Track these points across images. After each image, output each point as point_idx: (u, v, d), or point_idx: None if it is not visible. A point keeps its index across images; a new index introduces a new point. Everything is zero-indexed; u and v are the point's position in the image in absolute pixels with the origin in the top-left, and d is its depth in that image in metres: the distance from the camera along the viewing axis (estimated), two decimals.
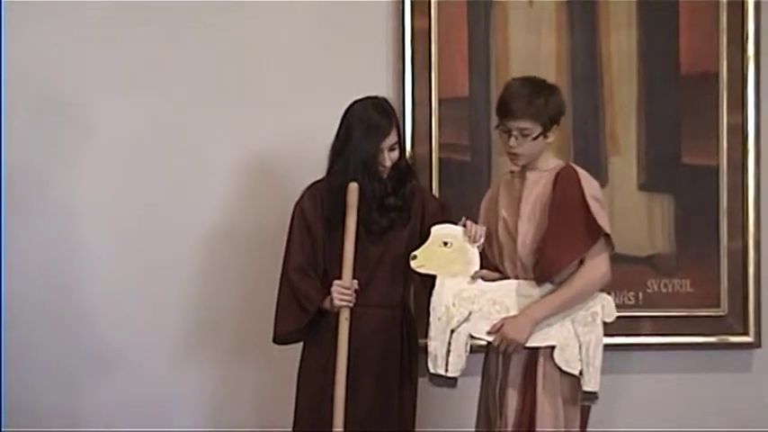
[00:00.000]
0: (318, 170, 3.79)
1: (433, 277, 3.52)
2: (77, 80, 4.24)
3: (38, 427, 4.23)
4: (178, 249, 4.26)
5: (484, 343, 3.54)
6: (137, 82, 4.24)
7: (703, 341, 4.25)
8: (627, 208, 4.23)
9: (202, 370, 4.29)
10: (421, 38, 4.20)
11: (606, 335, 3.49)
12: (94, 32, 4.23)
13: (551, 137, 3.51)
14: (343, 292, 3.60)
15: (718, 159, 4.25)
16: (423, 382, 3.73)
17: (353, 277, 3.62)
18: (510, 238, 3.53)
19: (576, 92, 4.23)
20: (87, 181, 4.25)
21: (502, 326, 3.43)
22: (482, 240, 3.53)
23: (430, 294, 3.52)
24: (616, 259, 3.58)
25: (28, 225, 4.24)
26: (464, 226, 3.54)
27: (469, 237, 3.52)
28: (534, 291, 3.47)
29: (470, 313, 3.47)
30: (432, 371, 3.48)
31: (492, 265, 3.59)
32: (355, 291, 3.62)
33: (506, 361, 3.51)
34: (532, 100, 3.45)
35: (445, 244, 3.53)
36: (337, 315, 3.63)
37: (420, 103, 4.20)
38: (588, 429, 3.55)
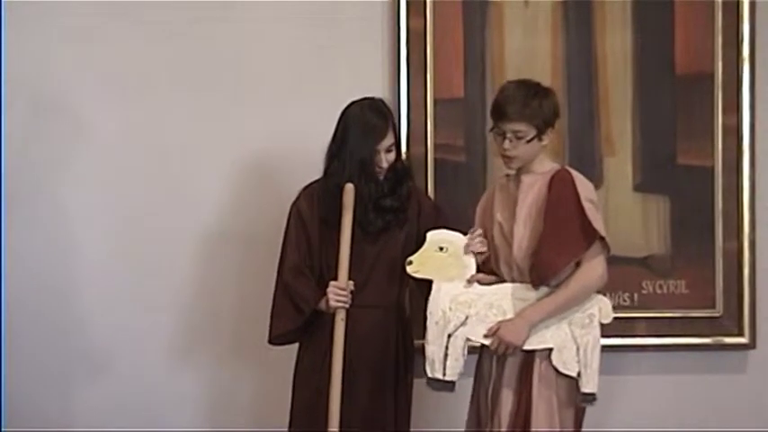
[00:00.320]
0: (314, 171, 3.79)
1: (430, 282, 3.52)
2: (73, 81, 4.24)
3: (33, 428, 4.22)
4: (174, 250, 4.26)
5: (479, 345, 3.55)
6: (132, 83, 4.24)
7: (698, 342, 4.25)
8: (622, 209, 4.23)
9: (198, 371, 4.29)
10: (416, 38, 4.20)
11: (601, 336, 3.49)
12: (91, 33, 4.23)
13: (546, 140, 3.51)
14: (338, 293, 3.60)
15: (714, 160, 4.24)
16: (418, 382, 3.73)
17: (349, 278, 3.62)
18: (506, 241, 3.53)
19: (572, 92, 4.23)
20: (83, 183, 4.25)
21: (498, 329, 3.43)
22: (483, 250, 3.53)
23: (426, 299, 3.52)
24: (611, 260, 3.58)
25: (23, 227, 4.24)
26: (468, 241, 3.54)
27: (467, 250, 3.52)
28: (531, 294, 3.47)
29: (467, 317, 3.47)
30: (430, 375, 3.48)
31: (488, 269, 3.59)
32: (351, 292, 3.62)
33: (501, 363, 3.52)
34: (527, 103, 3.45)
35: (441, 249, 3.53)
36: (333, 316, 3.63)
37: (415, 103, 4.20)
38: (583, 430, 3.55)
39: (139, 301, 4.26)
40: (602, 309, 3.47)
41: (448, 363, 3.47)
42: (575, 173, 3.51)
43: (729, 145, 4.24)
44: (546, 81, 3.65)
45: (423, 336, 3.54)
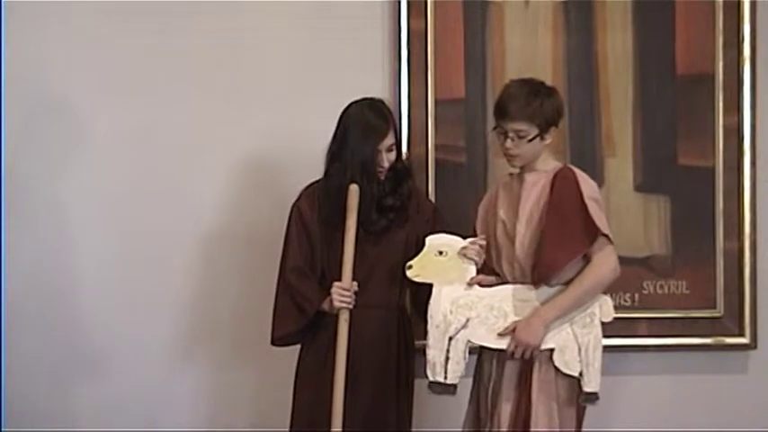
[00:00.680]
0: (315, 171, 3.79)
1: (430, 285, 3.52)
2: (73, 81, 4.23)
3: (33, 428, 4.22)
4: (174, 250, 4.25)
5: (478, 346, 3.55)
6: (132, 83, 4.24)
7: (699, 342, 4.25)
8: (623, 209, 4.23)
9: (198, 372, 4.29)
10: (417, 39, 4.20)
11: (602, 335, 3.49)
12: (91, 34, 4.22)
13: (549, 139, 3.51)
14: (342, 293, 3.60)
15: (714, 160, 4.24)
16: (418, 383, 3.73)
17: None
18: (508, 239, 3.53)
19: (572, 93, 4.23)
20: (82, 183, 4.24)
21: (514, 330, 3.43)
22: (479, 258, 3.54)
23: (427, 302, 3.52)
24: None
25: (23, 227, 4.23)
26: (465, 247, 3.54)
27: (464, 255, 3.53)
28: (531, 295, 3.47)
29: (468, 320, 3.47)
30: (431, 379, 3.48)
31: (488, 268, 3.59)
32: (354, 292, 3.61)
33: (500, 364, 3.52)
34: (529, 102, 3.45)
35: (440, 253, 3.53)
36: (335, 316, 3.63)
37: (416, 104, 4.20)
38: (584, 430, 3.55)
39: (139, 302, 4.26)
40: (602, 307, 3.48)
41: (449, 366, 3.47)
42: (578, 171, 3.52)
43: (730, 145, 4.23)
44: (547, 81, 3.64)
45: (423, 336, 3.53)
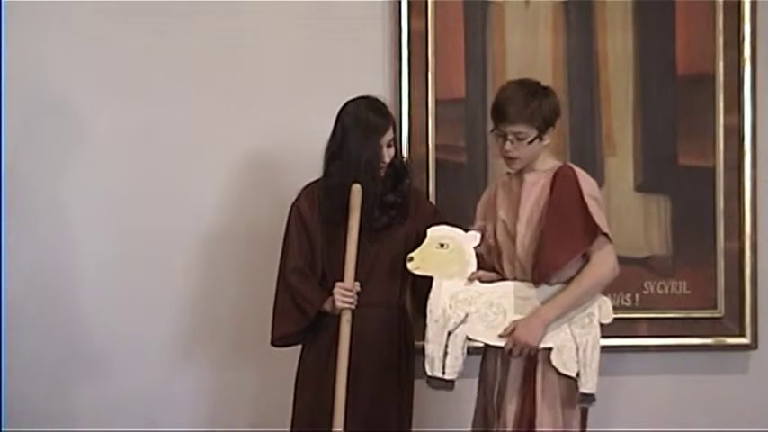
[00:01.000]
0: (315, 171, 3.79)
1: (431, 279, 3.52)
2: (72, 81, 4.23)
3: (33, 428, 4.22)
4: (174, 250, 4.25)
5: (481, 345, 3.54)
6: (132, 83, 4.24)
7: (700, 343, 4.25)
8: (623, 209, 4.22)
9: (198, 372, 4.29)
10: (418, 39, 4.20)
11: (603, 336, 3.49)
12: (91, 34, 4.23)
13: (547, 139, 3.51)
14: (345, 293, 3.60)
15: (715, 160, 4.24)
16: (419, 382, 3.72)
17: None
18: (509, 239, 3.53)
19: (573, 93, 4.23)
20: (82, 183, 4.24)
21: (514, 329, 3.43)
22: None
23: (427, 296, 3.52)
24: None
25: (22, 226, 4.23)
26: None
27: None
28: (531, 292, 3.46)
29: (467, 315, 3.47)
30: (429, 373, 3.47)
31: (489, 266, 3.58)
32: (357, 292, 3.61)
33: (505, 364, 3.51)
34: (527, 104, 3.45)
35: (442, 246, 3.53)
36: (335, 317, 3.63)
37: (417, 104, 4.20)
38: (586, 430, 3.55)
39: (140, 301, 4.26)
40: (601, 308, 3.47)
41: (447, 361, 3.46)
42: (578, 170, 3.51)
43: (731, 145, 4.23)
44: (547, 81, 3.64)
45: (423, 336, 3.53)
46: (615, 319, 3.53)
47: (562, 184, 3.45)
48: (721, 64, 4.23)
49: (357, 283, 3.62)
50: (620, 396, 4.25)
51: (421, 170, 4.15)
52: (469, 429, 3.68)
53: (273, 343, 3.79)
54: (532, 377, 3.46)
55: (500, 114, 3.48)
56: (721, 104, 4.24)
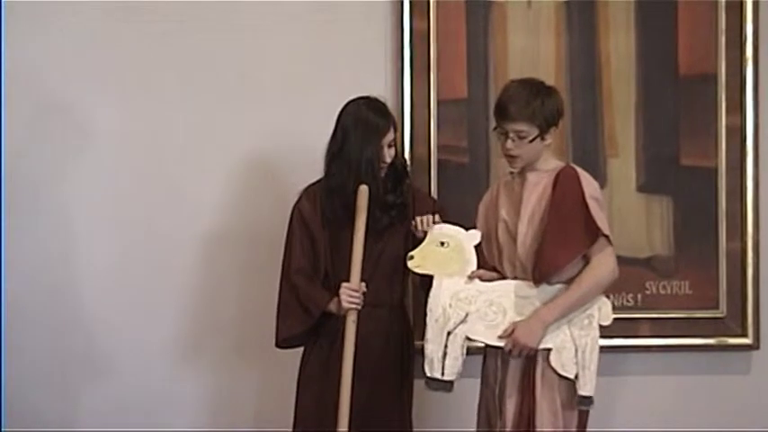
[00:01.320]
0: (316, 171, 3.79)
1: (431, 278, 3.51)
2: (76, 82, 4.24)
3: (33, 428, 4.22)
4: (175, 252, 4.26)
5: (481, 345, 3.54)
6: (133, 85, 4.25)
7: (702, 343, 4.25)
8: (625, 209, 4.22)
9: (200, 373, 4.29)
10: (420, 39, 4.20)
11: (605, 336, 3.49)
12: (92, 35, 4.24)
13: (549, 139, 3.50)
14: (352, 294, 3.59)
15: (717, 161, 4.24)
16: (419, 382, 3.72)
17: None
18: (510, 239, 3.53)
19: (575, 93, 4.23)
20: (83, 183, 4.25)
21: (513, 330, 3.43)
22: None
23: (427, 295, 3.52)
24: None
25: (24, 228, 4.24)
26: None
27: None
28: (532, 292, 3.46)
29: (467, 314, 3.46)
30: (428, 374, 3.46)
31: (489, 265, 3.58)
32: (363, 293, 3.61)
33: (505, 364, 3.51)
34: (529, 102, 3.44)
35: (442, 244, 3.52)
36: (337, 318, 3.63)
37: (418, 104, 4.20)
38: (587, 431, 3.54)
39: (141, 303, 4.27)
40: (601, 309, 3.46)
41: (447, 362, 3.45)
42: (580, 170, 3.51)
43: (733, 145, 4.23)
44: (549, 82, 3.62)
45: (423, 336, 3.52)
46: (617, 319, 3.53)
47: (564, 185, 3.45)
48: (723, 64, 4.23)
49: (363, 284, 3.62)
50: (622, 396, 4.25)
51: (423, 170, 4.16)
52: (469, 429, 3.68)
53: (278, 344, 3.79)
54: (532, 377, 3.46)
55: (502, 112, 3.48)
56: (723, 104, 4.24)
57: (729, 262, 4.24)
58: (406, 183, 3.78)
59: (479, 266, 3.52)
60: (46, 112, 4.24)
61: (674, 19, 4.25)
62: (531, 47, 4.25)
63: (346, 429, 3.55)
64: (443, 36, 4.22)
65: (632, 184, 4.25)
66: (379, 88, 4.05)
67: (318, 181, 3.77)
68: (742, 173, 4.23)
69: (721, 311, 4.25)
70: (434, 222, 3.57)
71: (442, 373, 3.45)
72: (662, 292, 4.25)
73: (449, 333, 3.46)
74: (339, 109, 3.75)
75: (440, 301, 3.48)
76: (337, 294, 3.63)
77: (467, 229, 3.55)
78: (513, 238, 3.51)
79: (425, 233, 3.55)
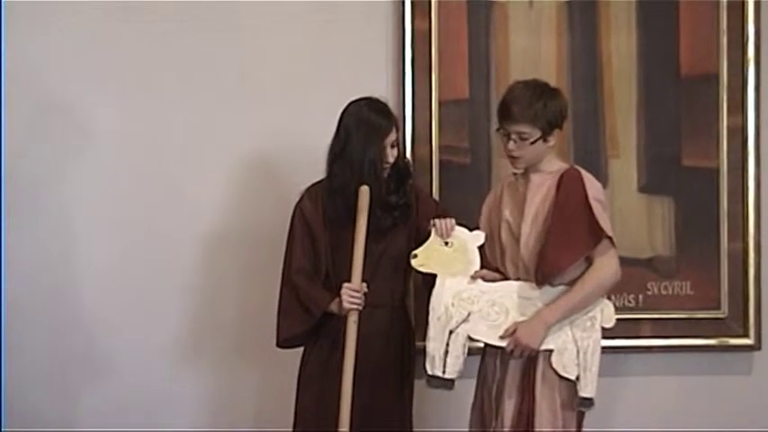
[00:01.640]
0: (317, 171, 3.79)
1: (434, 277, 3.51)
2: (76, 82, 4.24)
3: (33, 428, 4.22)
4: (176, 252, 4.26)
5: (481, 345, 3.54)
6: (134, 85, 4.24)
7: (703, 343, 4.24)
8: (627, 210, 4.22)
9: (201, 373, 4.29)
10: (421, 39, 4.20)
11: (606, 337, 3.49)
12: (92, 35, 4.23)
13: (552, 141, 3.50)
14: (353, 294, 3.59)
15: (719, 161, 4.24)
16: (419, 383, 3.72)
17: None
18: (513, 239, 3.52)
19: (576, 93, 4.22)
20: (84, 184, 4.25)
21: (515, 330, 3.43)
22: (452, 233, 3.53)
23: (430, 294, 3.52)
24: None
25: (24, 228, 4.24)
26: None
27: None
28: (534, 293, 3.46)
29: (469, 314, 3.46)
30: (429, 372, 3.47)
31: (492, 266, 3.58)
32: (364, 294, 3.61)
33: (504, 363, 3.51)
34: (531, 104, 3.43)
35: (446, 244, 3.52)
36: (337, 318, 3.63)
37: (420, 105, 4.20)
38: (587, 430, 3.54)
39: (141, 303, 4.27)
40: (603, 311, 3.46)
41: (448, 360, 3.46)
42: (584, 172, 3.50)
43: (734, 146, 4.23)
44: (550, 82, 3.62)
45: (424, 336, 3.52)
46: (619, 319, 3.53)
47: (568, 187, 3.44)
48: (725, 64, 4.23)
49: (364, 285, 3.62)
50: (623, 397, 4.25)
51: (424, 171, 4.15)
52: (469, 430, 3.68)
53: (279, 344, 3.78)
54: (532, 377, 3.46)
55: (504, 113, 3.48)
56: (725, 105, 4.23)
57: (731, 262, 4.23)
58: (409, 183, 3.77)
59: (482, 267, 3.52)
60: (46, 112, 4.24)
61: (675, 19, 4.24)
62: (532, 47, 4.24)
63: (347, 430, 3.55)
64: (445, 36, 4.21)
65: (633, 184, 4.25)
66: (381, 88, 4.04)
67: (321, 181, 3.77)
68: (743, 173, 4.23)
69: (723, 312, 4.25)
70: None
71: (443, 372, 3.46)
72: (663, 292, 4.25)
73: (451, 332, 3.46)
74: (340, 109, 3.75)
75: (442, 300, 3.48)
76: (338, 295, 3.62)
77: (471, 229, 3.55)
78: (516, 239, 3.51)
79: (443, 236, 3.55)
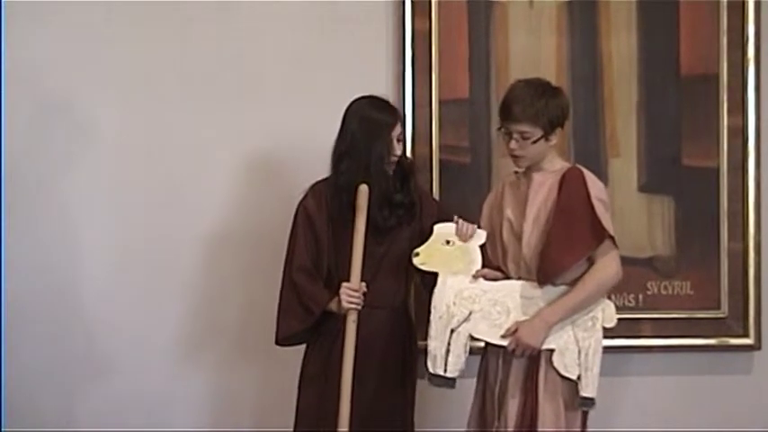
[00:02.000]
0: (319, 170, 3.78)
1: (435, 276, 3.51)
2: (77, 82, 4.24)
3: (34, 428, 4.21)
4: (177, 251, 4.25)
5: (481, 345, 3.55)
6: (136, 83, 4.24)
7: (703, 343, 4.25)
8: (627, 209, 4.22)
9: (202, 372, 4.28)
10: (421, 39, 4.20)
11: (606, 337, 3.49)
12: (94, 34, 4.23)
13: (554, 140, 3.50)
14: (351, 294, 3.59)
15: (719, 161, 4.24)
16: (421, 383, 3.72)
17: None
18: (515, 238, 3.53)
19: (577, 93, 4.22)
20: (85, 183, 4.24)
21: (516, 330, 3.43)
22: (474, 238, 3.52)
23: (431, 293, 3.52)
24: None
25: (26, 227, 4.23)
26: (456, 222, 3.54)
27: (460, 234, 3.52)
28: (536, 292, 3.46)
29: (471, 313, 3.47)
30: (431, 371, 3.48)
31: (494, 265, 3.58)
32: (363, 293, 3.61)
33: (506, 363, 3.51)
34: (533, 103, 3.44)
35: (447, 242, 3.52)
36: (339, 317, 3.63)
37: (420, 104, 4.20)
38: (588, 431, 3.54)
39: (143, 302, 4.26)
40: (605, 311, 3.47)
41: (450, 359, 3.46)
42: (586, 172, 3.50)
43: (734, 146, 4.23)
44: (550, 82, 3.63)
45: (426, 336, 3.53)
46: (619, 319, 3.52)
47: (570, 186, 3.45)
48: (725, 64, 4.23)
49: (363, 284, 3.62)
50: (623, 396, 4.25)
51: (424, 171, 4.15)
52: (469, 430, 3.68)
53: (278, 342, 3.78)
54: (535, 376, 3.46)
55: (506, 112, 3.48)
56: (725, 105, 4.23)
57: (731, 262, 4.24)
58: (413, 182, 3.77)
59: (483, 266, 3.52)
60: (46, 112, 4.24)
61: (675, 19, 4.25)
62: (532, 47, 4.24)
63: (347, 430, 3.55)
64: (445, 36, 4.21)
65: (634, 184, 4.25)
66: (381, 88, 4.04)
67: (325, 179, 3.76)
68: (743, 173, 4.23)
69: (723, 312, 4.25)
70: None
71: (445, 370, 3.47)
72: (663, 292, 4.25)
73: (452, 331, 3.47)
74: (340, 109, 3.75)
75: (444, 299, 3.48)
76: (338, 294, 3.62)
77: None
78: (518, 238, 3.51)
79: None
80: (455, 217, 3.57)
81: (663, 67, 4.25)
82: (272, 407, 4.20)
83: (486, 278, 3.51)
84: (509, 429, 3.47)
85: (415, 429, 3.84)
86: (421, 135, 4.19)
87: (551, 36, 4.25)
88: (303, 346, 3.82)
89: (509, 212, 3.56)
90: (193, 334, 4.28)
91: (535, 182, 3.52)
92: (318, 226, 3.73)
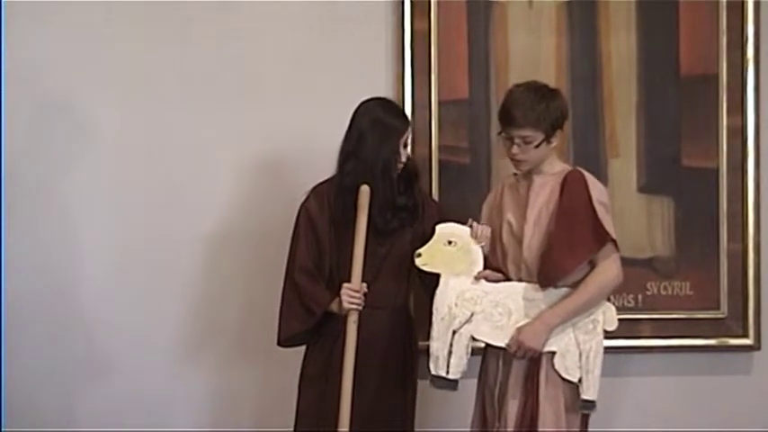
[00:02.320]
0: (320, 171, 3.78)
1: (437, 277, 3.51)
2: (77, 82, 4.23)
3: (34, 428, 4.22)
4: (178, 251, 4.25)
5: (482, 346, 3.55)
6: (137, 84, 4.24)
7: (703, 344, 4.25)
8: (626, 210, 4.22)
9: (202, 373, 4.28)
10: (420, 39, 4.20)
11: (606, 337, 3.49)
12: (94, 34, 4.23)
13: (555, 142, 3.50)
14: (352, 295, 3.59)
15: (718, 161, 4.24)
16: (422, 384, 3.73)
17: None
18: (515, 241, 3.53)
19: (576, 93, 4.22)
20: (86, 183, 4.24)
21: (518, 332, 3.43)
22: (487, 241, 3.53)
23: (431, 296, 3.52)
24: None
25: (26, 227, 4.23)
26: (470, 227, 3.54)
27: (475, 237, 3.52)
28: (537, 294, 3.46)
29: (472, 314, 3.47)
30: (433, 372, 3.48)
31: (493, 266, 3.58)
32: (364, 294, 3.61)
33: (507, 364, 3.51)
34: (534, 107, 3.43)
35: (450, 243, 3.52)
36: (340, 318, 3.63)
37: (419, 105, 4.19)
38: (588, 431, 3.55)
39: (143, 302, 4.26)
40: (606, 314, 3.47)
41: (452, 360, 3.46)
42: (587, 174, 3.50)
43: (734, 146, 4.23)
44: (550, 82, 3.63)
45: (427, 337, 3.53)
46: (619, 319, 3.52)
47: (572, 189, 3.44)
48: (724, 64, 4.23)
49: (364, 285, 3.62)
50: (623, 397, 4.26)
51: (424, 171, 4.13)
52: (470, 430, 3.68)
53: (279, 343, 3.78)
54: (535, 378, 3.46)
55: (507, 118, 3.47)
56: (724, 105, 4.23)
57: (730, 262, 4.24)
58: (417, 185, 3.77)
59: (485, 267, 3.52)
60: (46, 112, 4.24)
61: (675, 19, 4.24)
62: (532, 47, 4.24)
63: (347, 430, 3.55)
64: (444, 36, 4.21)
65: (633, 184, 4.25)
66: (380, 88, 4.05)
67: (327, 180, 3.75)
68: (743, 173, 4.23)
69: (722, 312, 4.25)
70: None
71: (447, 372, 3.47)
72: (663, 292, 4.25)
73: (454, 332, 3.47)
74: (340, 109, 3.75)
75: (446, 300, 3.48)
76: (339, 294, 3.62)
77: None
78: (518, 240, 3.51)
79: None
80: (470, 220, 3.56)
81: (662, 68, 4.24)
82: (272, 407, 4.21)
83: (488, 279, 3.51)
84: (509, 430, 3.47)
85: (416, 430, 3.84)
86: (420, 135, 4.18)
87: (551, 36, 4.25)
88: (303, 347, 3.82)
89: (509, 215, 3.56)
90: (193, 334, 4.29)
91: (536, 184, 3.52)
92: (320, 227, 3.73)
